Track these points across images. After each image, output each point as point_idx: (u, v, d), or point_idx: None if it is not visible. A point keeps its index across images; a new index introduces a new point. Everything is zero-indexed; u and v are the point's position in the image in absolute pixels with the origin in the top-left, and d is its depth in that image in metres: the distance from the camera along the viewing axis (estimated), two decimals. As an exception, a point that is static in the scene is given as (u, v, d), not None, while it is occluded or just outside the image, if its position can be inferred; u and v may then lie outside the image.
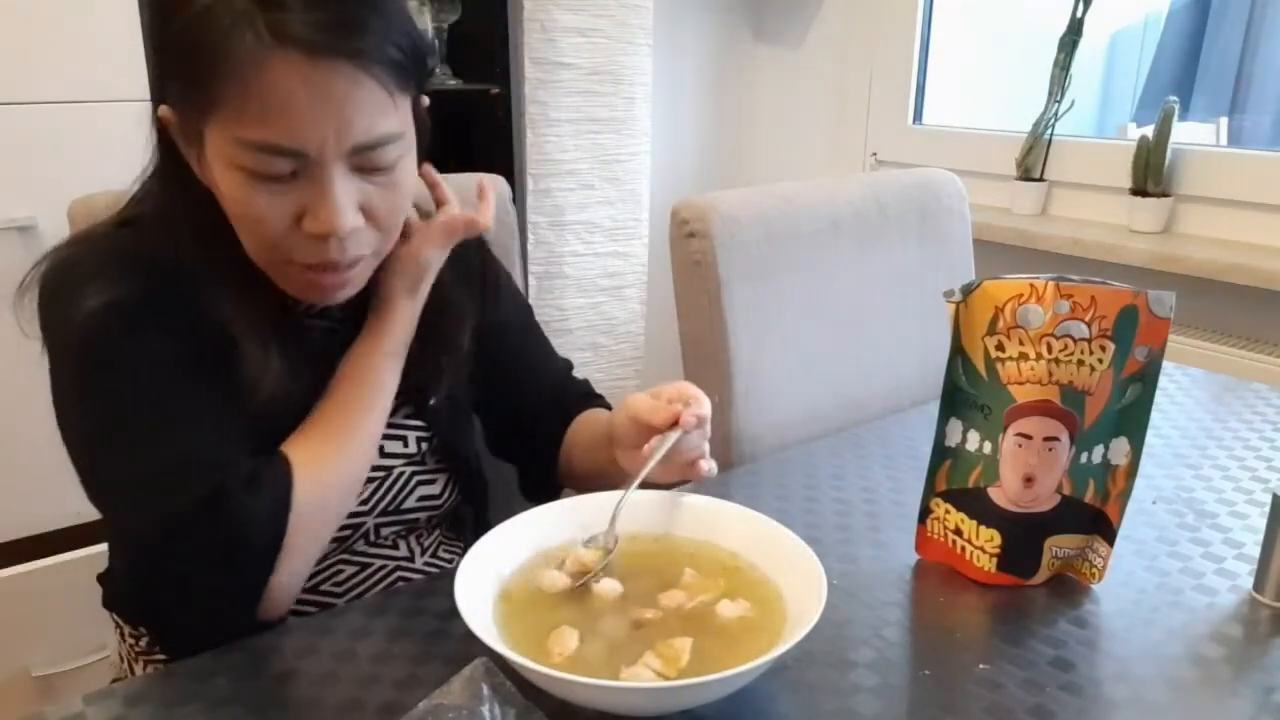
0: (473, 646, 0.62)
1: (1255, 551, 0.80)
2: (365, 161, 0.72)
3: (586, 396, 1.07)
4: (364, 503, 0.87)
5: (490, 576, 0.72)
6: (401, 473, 0.90)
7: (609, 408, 1.06)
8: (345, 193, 0.71)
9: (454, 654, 0.68)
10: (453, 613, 0.64)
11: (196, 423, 0.73)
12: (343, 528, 0.85)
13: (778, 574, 0.73)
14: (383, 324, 0.84)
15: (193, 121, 0.71)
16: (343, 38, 0.67)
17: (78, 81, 1.57)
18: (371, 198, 0.74)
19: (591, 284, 2.25)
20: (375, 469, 0.87)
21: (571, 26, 2.04)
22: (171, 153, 0.76)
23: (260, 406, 0.75)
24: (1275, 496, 0.77)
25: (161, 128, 0.75)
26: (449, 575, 0.68)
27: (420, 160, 0.81)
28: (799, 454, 1.07)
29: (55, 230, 1.55)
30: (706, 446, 0.82)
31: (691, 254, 1.19)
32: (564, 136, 2.12)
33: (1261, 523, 0.79)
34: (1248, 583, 0.80)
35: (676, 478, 0.82)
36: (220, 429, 0.73)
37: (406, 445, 0.90)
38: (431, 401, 0.91)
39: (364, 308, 0.85)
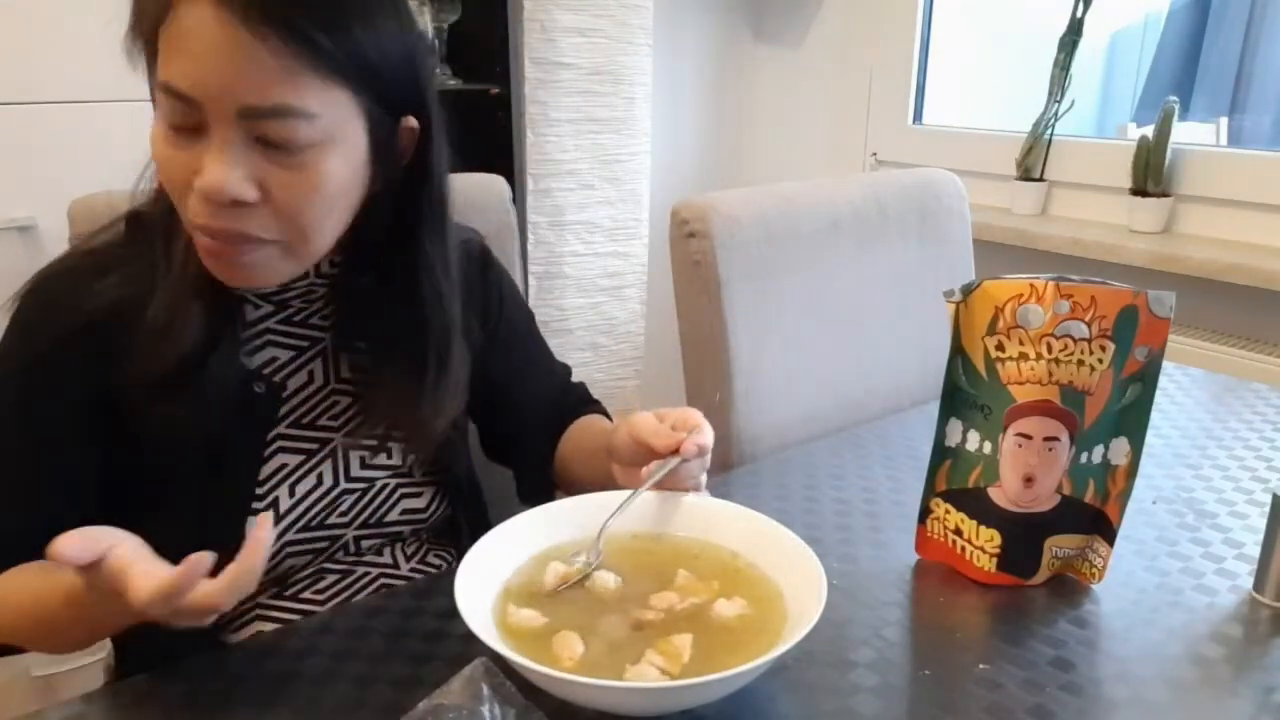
0: (473, 646, 0.62)
1: (1255, 551, 0.80)
2: (263, 130, 0.69)
3: (584, 403, 1.06)
4: (343, 514, 0.86)
5: (490, 576, 0.72)
6: (385, 484, 0.89)
7: (606, 414, 1.06)
8: (235, 157, 0.69)
9: (454, 654, 0.68)
10: (453, 613, 0.64)
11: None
12: (321, 540, 0.85)
13: (778, 574, 0.73)
14: (129, 611, 0.63)
15: (153, 79, 0.73)
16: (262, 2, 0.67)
17: (78, 81, 1.57)
18: (270, 176, 0.71)
19: (591, 284, 2.25)
20: (356, 480, 0.86)
21: (571, 26, 2.04)
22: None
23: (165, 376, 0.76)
24: (1275, 496, 0.77)
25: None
26: (449, 575, 0.68)
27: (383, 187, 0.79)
28: (799, 454, 1.07)
29: (55, 230, 1.55)
30: (704, 478, 0.82)
31: (691, 254, 1.19)
32: (564, 136, 2.12)
33: (1261, 523, 0.80)
34: (1248, 583, 0.80)
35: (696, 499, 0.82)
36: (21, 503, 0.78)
37: (391, 457, 0.89)
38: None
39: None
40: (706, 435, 0.79)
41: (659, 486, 0.79)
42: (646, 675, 0.62)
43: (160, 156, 0.72)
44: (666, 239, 1.22)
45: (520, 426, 1.02)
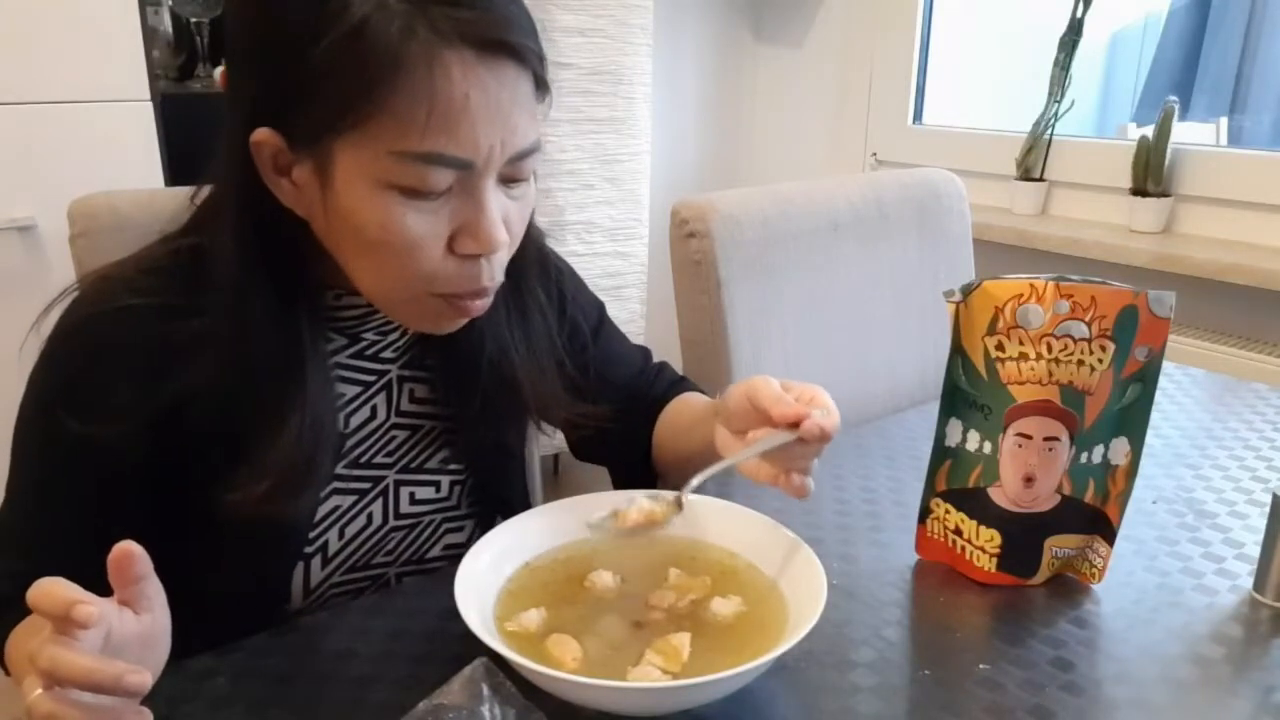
0: (473, 646, 0.62)
1: (1255, 551, 0.80)
2: (512, 172, 0.67)
3: (672, 383, 1.00)
4: (389, 554, 0.84)
5: (490, 576, 0.72)
6: (431, 520, 0.86)
7: (700, 390, 1.00)
8: (497, 207, 0.67)
9: (454, 654, 0.68)
10: (453, 613, 0.64)
11: (38, 514, 0.72)
12: (363, 580, 0.83)
13: (778, 574, 0.73)
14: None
15: (316, 144, 0.64)
16: (506, 33, 0.63)
17: (78, 81, 1.57)
18: (510, 212, 0.69)
19: (591, 284, 2.24)
20: (404, 518, 0.84)
21: (571, 26, 2.04)
22: (252, 179, 0.68)
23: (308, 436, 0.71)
24: (1275, 496, 0.77)
25: (243, 155, 0.67)
26: (449, 575, 0.68)
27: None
28: (799, 454, 1.07)
29: (55, 230, 1.55)
30: (815, 464, 0.74)
31: (691, 254, 1.19)
32: (564, 136, 2.12)
33: (1261, 523, 0.79)
34: (1248, 583, 0.80)
35: (766, 480, 0.73)
36: (44, 541, 0.72)
37: (439, 490, 0.85)
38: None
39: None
40: (833, 419, 0.70)
41: (762, 461, 0.71)
42: (648, 676, 0.62)
43: (404, 230, 0.65)
44: (666, 239, 1.22)
45: (609, 420, 0.92)
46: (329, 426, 0.74)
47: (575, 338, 0.93)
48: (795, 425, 0.69)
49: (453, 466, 0.86)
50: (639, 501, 0.75)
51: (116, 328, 0.70)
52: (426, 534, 0.86)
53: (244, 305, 0.69)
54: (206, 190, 0.75)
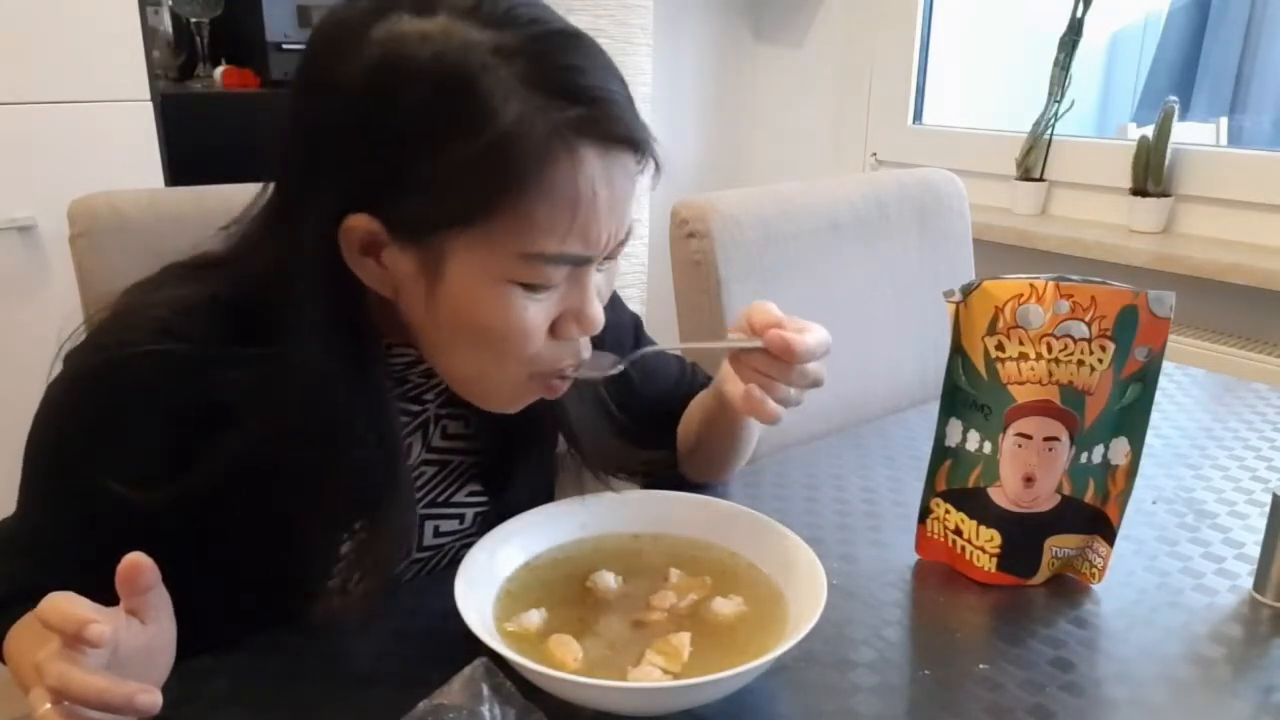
0: (473, 646, 0.62)
1: (1255, 551, 0.80)
2: (612, 252, 0.67)
3: (703, 386, 0.96)
4: (405, 582, 0.83)
5: (490, 576, 0.72)
6: (450, 549, 0.85)
7: None
8: (594, 287, 0.67)
9: (454, 654, 0.67)
10: (453, 613, 0.64)
11: (52, 533, 0.69)
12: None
13: (778, 574, 0.73)
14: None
15: (426, 237, 0.62)
16: (633, 131, 0.62)
17: (78, 81, 1.57)
18: (601, 287, 0.69)
19: (591, 284, 2.25)
20: (427, 549, 0.83)
21: (571, 26, 2.04)
22: (332, 253, 0.64)
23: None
24: (1275, 496, 0.77)
25: (329, 233, 0.63)
26: (449, 575, 0.68)
27: None
28: (799, 454, 1.07)
29: (55, 230, 1.55)
30: (790, 392, 0.71)
31: (691, 254, 1.19)
32: (564, 136, 2.12)
33: (1261, 523, 0.79)
34: (1248, 583, 0.80)
35: (739, 403, 0.71)
36: (58, 556, 0.68)
37: (464, 522, 0.84)
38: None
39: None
40: (806, 340, 0.68)
41: (736, 370, 0.71)
42: (648, 676, 0.62)
43: (523, 321, 0.63)
44: (666, 239, 1.22)
45: (638, 430, 0.89)
46: (413, 516, 0.73)
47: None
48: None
49: (479, 499, 0.85)
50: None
51: (148, 374, 0.65)
52: (445, 562, 0.85)
53: (322, 371, 0.66)
54: (244, 223, 0.71)
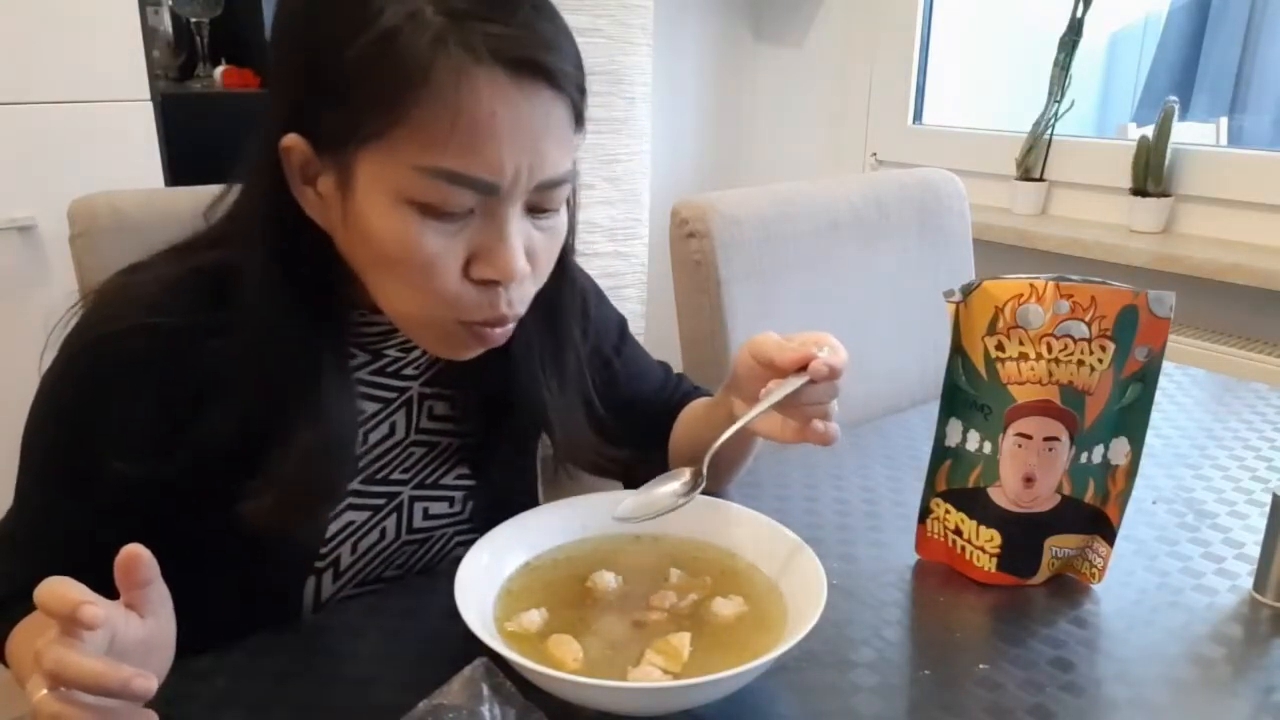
0: (473, 646, 0.62)
1: (1255, 551, 0.80)
2: (539, 201, 0.65)
3: (688, 393, 0.99)
4: (399, 567, 0.84)
5: (490, 576, 0.72)
6: (443, 534, 0.85)
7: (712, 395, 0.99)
8: (519, 234, 0.65)
9: (454, 654, 0.68)
10: (453, 613, 0.64)
11: (48, 525, 0.71)
12: (371, 594, 0.82)
13: (778, 574, 0.73)
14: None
15: (340, 152, 0.63)
16: (542, 57, 0.61)
17: (78, 81, 1.57)
18: (535, 243, 0.67)
19: (592, 284, 2.25)
20: (416, 532, 0.83)
21: (571, 26, 2.03)
22: (279, 186, 0.66)
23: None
24: (1275, 496, 0.77)
25: (273, 159, 0.65)
26: (449, 575, 0.68)
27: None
28: (799, 454, 1.07)
29: (55, 230, 1.55)
30: (834, 406, 0.73)
31: (691, 254, 1.19)
32: (564, 136, 2.12)
33: (1261, 523, 0.79)
34: (1248, 583, 0.80)
35: (792, 437, 0.73)
36: (51, 550, 0.70)
37: (453, 505, 0.85)
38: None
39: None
40: (840, 356, 0.71)
41: (781, 412, 0.71)
42: (648, 676, 0.62)
43: (420, 248, 0.63)
44: (666, 239, 1.22)
45: (623, 433, 0.89)
46: (347, 445, 0.73)
47: (594, 357, 0.91)
48: (804, 370, 0.70)
49: (467, 482, 0.85)
50: (661, 486, 0.74)
51: (140, 348, 0.67)
52: (437, 547, 0.85)
53: (269, 321, 0.68)
54: (225, 202, 0.72)
